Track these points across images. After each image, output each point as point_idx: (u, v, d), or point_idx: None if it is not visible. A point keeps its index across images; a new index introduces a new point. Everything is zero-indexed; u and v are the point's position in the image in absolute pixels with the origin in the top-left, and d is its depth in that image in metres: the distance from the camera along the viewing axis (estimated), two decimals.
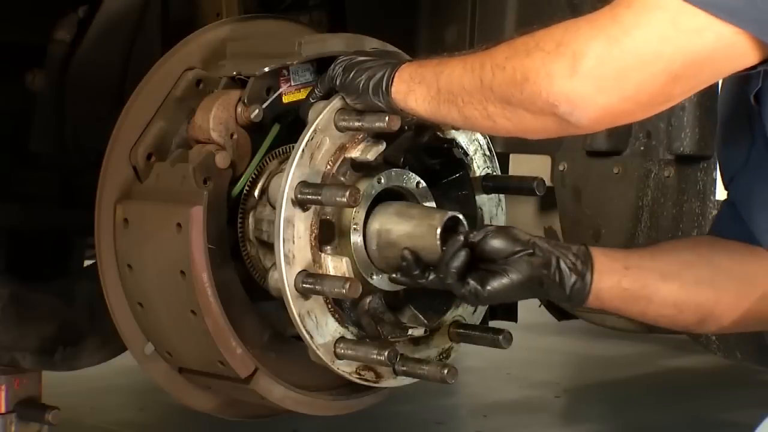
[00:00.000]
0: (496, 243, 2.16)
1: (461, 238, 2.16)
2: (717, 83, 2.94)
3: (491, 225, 2.32)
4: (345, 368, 2.32)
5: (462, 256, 2.14)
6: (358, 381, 2.34)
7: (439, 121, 2.11)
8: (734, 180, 2.25)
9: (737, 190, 2.24)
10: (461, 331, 2.45)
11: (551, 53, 1.85)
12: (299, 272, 2.22)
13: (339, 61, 2.25)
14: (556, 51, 1.85)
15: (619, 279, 2.18)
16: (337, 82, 2.23)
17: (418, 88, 2.10)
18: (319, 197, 2.19)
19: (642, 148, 3.10)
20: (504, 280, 2.14)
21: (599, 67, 1.82)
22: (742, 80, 2.10)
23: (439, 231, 2.22)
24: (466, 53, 2.05)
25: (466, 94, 2.00)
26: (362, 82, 2.17)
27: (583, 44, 1.82)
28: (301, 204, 2.22)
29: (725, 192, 2.34)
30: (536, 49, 1.88)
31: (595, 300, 2.18)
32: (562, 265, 2.16)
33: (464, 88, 2.00)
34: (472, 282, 2.14)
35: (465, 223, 2.25)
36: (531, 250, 2.16)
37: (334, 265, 2.26)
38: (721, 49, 1.81)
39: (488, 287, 2.13)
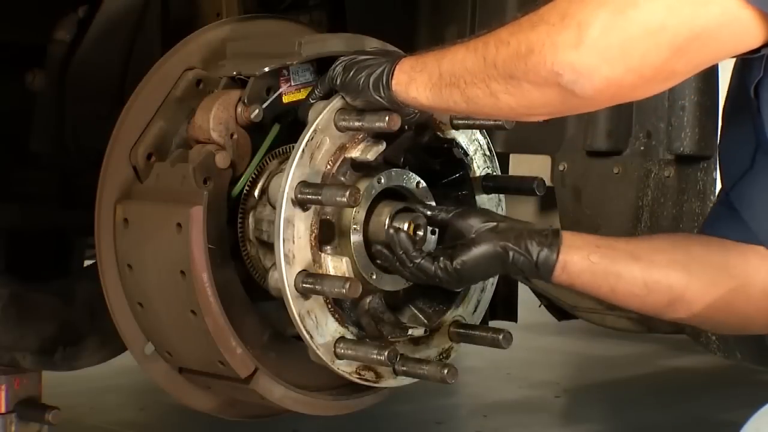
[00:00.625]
0: (463, 221, 2.25)
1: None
2: (717, 85, 2.95)
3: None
4: (345, 368, 2.32)
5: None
6: (358, 381, 2.34)
7: (441, 107, 2.11)
8: (737, 185, 2.25)
9: (741, 194, 2.24)
10: (461, 331, 2.45)
11: (556, 25, 1.86)
12: (299, 272, 2.22)
13: (339, 61, 2.25)
14: (561, 23, 1.86)
15: (589, 253, 2.20)
16: (337, 82, 2.23)
17: (419, 77, 2.10)
18: (319, 197, 2.19)
19: (642, 148, 3.10)
20: (471, 252, 2.20)
21: (604, 37, 1.82)
22: (744, 71, 2.09)
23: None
24: (468, 39, 2.05)
25: (468, 74, 2.01)
26: (362, 79, 2.17)
27: (588, 14, 1.83)
28: (301, 204, 2.22)
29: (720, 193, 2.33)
30: (541, 23, 1.89)
31: (563, 273, 2.20)
32: (529, 236, 2.21)
33: (467, 68, 2.01)
34: (441, 258, 2.20)
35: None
36: (496, 223, 2.23)
37: (334, 265, 2.26)
38: (726, 24, 1.81)
39: (456, 260, 2.19)
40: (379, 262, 2.31)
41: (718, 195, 2.34)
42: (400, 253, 2.23)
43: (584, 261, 2.20)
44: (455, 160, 2.44)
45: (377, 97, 2.15)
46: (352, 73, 2.20)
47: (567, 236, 2.23)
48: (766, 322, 2.27)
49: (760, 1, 1.79)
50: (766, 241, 2.21)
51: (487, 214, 2.30)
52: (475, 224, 2.25)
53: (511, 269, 2.23)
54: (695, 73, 1.92)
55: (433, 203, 2.38)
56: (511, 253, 2.20)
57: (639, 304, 2.25)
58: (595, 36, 1.82)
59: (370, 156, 2.28)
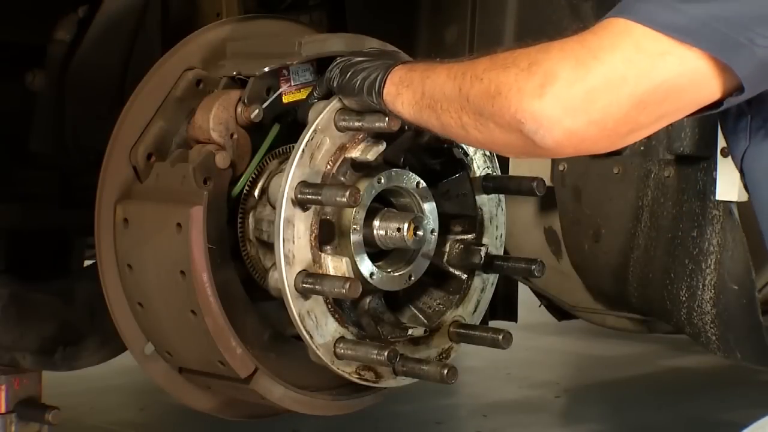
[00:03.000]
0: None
1: None
2: None
3: None
4: (345, 368, 2.32)
5: None
6: (357, 381, 2.34)
7: (421, 126, 2.13)
8: None
9: None
10: (461, 331, 2.45)
11: (524, 71, 1.87)
12: (299, 272, 2.22)
13: (336, 63, 2.26)
14: (529, 69, 1.87)
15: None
16: (335, 84, 2.23)
17: (405, 92, 2.12)
18: (319, 197, 2.19)
19: (642, 148, 3.10)
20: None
21: (568, 89, 1.83)
22: (732, 141, 2.08)
23: None
24: (456, 60, 2.06)
25: (445, 100, 2.02)
26: (358, 83, 2.18)
27: (554, 65, 1.84)
28: (301, 204, 2.22)
29: None
30: (512, 65, 1.90)
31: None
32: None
33: (444, 94, 2.03)
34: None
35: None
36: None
37: (334, 265, 2.26)
38: (685, 73, 1.82)
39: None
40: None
41: None
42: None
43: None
44: (455, 160, 2.44)
45: (371, 102, 2.17)
46: (348, 76, 2.21)
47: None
48: None
49: (716, 49, 1.80)
50: None
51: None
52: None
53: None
54: (661, 128, 1.92)
55: (434, 204, 2.38)
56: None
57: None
58: (558, 87, 1.83)
59: (370, 156, 2.28)
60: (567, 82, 1.82)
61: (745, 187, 2.08)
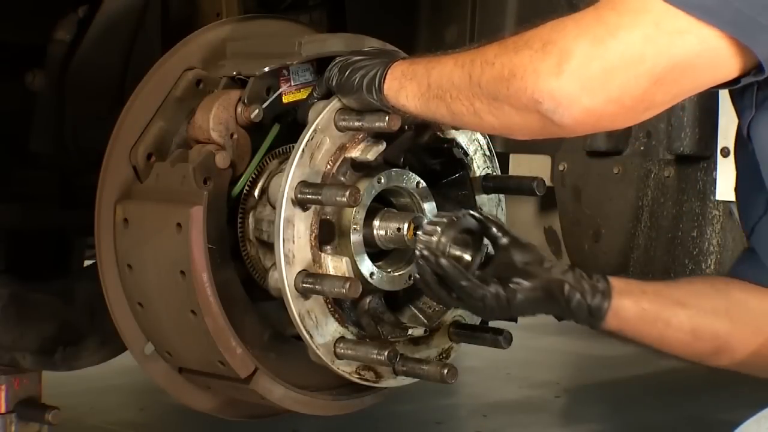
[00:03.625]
0: (517, 252, 2.13)
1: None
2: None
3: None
4: (345, 368, 2.32)
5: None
6: (357, 381, 2.34)
7: (429, 117, 2.11)
8: (755, 230, 2.24)
9: (759, 239, 2.23)
10: (461, 331, 2.45)
11: (538, 51, 1.86)
12: (299, 272, 2.22)
13: (335, 62, 2.25)
14: (543, 49, 1.86)
15: (638, 299, 2.13)
16: (333, 83, 2.23)
17: (409, 85, 2.10)
18: (319, 197, 2.19)
19: (642, 148, 3.10)
20: (526, 282, 2.09)
21: (585, 67, 1.82)
22: (739, 112, 2.09)
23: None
24: (460, 50, 2.05)
25: (455, 89, 2.01)
26: (356, 80, 2.18)
27: (569, 43, 1.83)
28: (301, 204, 2.22)
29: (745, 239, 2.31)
30: (524, 47, 1.89)
31: (615, 318, 2.13)
32: (582, 279, 2.12)
33: (453, 83, 2.01)
34: (493, 283, 2.08)
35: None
36: (550, 261, 2.13)
37: (334, 264, 2.26)
38: (703, 53, 1.82)
39: (510, 287, 2.08)
40: (415, 278, 2.18)
41: (748, 238, 2.32)
42: (448, 278, 2.09)
43: (635, 307, 2.13)
44: (455, 160, 2.44)
45: (371, 99, 2.16)
46: (347, 75, 2.20)
47: (615, 282, 2.15)
48: None
49: (737, 30, 1.80)
50: None
51: (537, 251, 2.16)
52: (528, 257, 2.13)
53: (561, 310, 2.12)
54: (675, 103, 1.91)
55: (434, 204, 2.37)
56: (567, 294, 2.10)
57: (685, 350, 2.19)
58: (576, 65, 1.82)
59: (370, 156, 2.28)
60: (584, 60, 1.81)
61: (753, 151, 2.08)
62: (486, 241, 2.18)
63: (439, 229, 2.13)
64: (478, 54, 1.98)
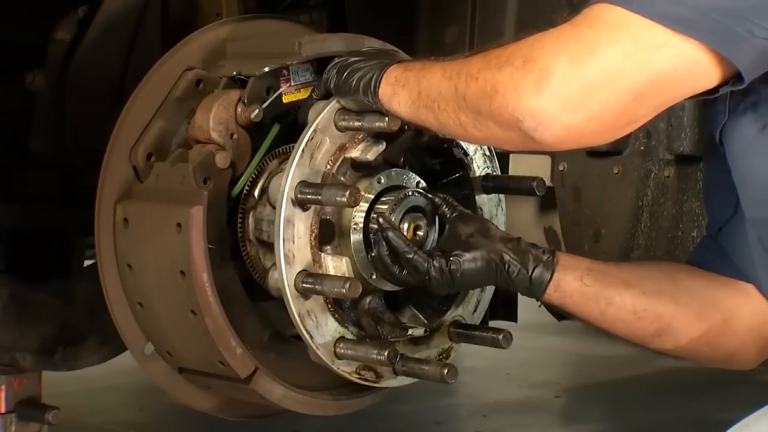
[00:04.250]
0: (462, 225, 2.24)
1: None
2: None
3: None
4: (345, 368, 2.32)
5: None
6: (357, 381, 2.34)
7: (419, 124, 2.13)
8: (723, 230, 2.26)
9: (728, 238, 2.24)
10: (461, 331, 2.45)
11: (519, 69, 1.86)
12: (299, 272, 2.22)
13: (332, 63, 2.26)
14: (524, 67, 1.86)
15: (582, 275, 2.21)
16: (332, 85, 2.24)
17: (401, 92, 2.11)
18: (319, 197, 2.19)
19: (642, 148, 3.10)
20: (467, 255, 2.19)
21: (565, 86, 1.82)
22: (710, 117, 2.10)
23: None
24: (451, 59, 2.06)
25: (442, 100, 2.02)
26: (354, 83, 2.18)
27: (549, 62, 1.83)
28: (301, 204, 2.22)
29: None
30: (506, 64, 1.89)
31: (556, 292, 2.20)
32: (526, 250, 2.20)
33: (441, 94, 2.02)
34: (437, 257, 2.19)
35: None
36: (494, 232, 2.23)
37: (334, 264, 2.26)
38: (683, 65, 1.81)
39: (452, 261, 2.18)
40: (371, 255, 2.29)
41: (706, 228, 2.35)
42: (395, 249, 2.23)
43: (577, 282, 2.20)
44: (455, 159, 2.44)
45: (367, 102, 2.17)
46: (344, 77, 2.21)
47: (561, 256, 2.23)
48: (750, 358, 2.28)
49: (715, 41, 1.79)
50: (756, 282, 2.21)
51: (485, 222, 2.29)
52: (472, 229, 2.24)
53: (503, 280, 2.21)
54: (658, 113, 1.91)
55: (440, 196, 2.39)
56: (507, 263, 2.19)
57: (626, 330, 2.24)
58: (556, 84, 1.82)
59: (370, 156, 2.28)
60: (563, 79, 1.81)
61: (723, 155, 2.09)
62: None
63: (387, 206, 2.28)
64: (464, 67, 1.98)
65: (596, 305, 2.21)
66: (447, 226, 2.27)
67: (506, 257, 2.19)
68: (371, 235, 2.28)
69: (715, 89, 1.87)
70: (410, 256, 2.21)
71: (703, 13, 1.78)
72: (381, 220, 2.26)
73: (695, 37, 1.79)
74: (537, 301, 2.24)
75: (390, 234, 2.23)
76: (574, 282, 2.20)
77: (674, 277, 2.26)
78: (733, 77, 1.84)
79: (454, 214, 2.27)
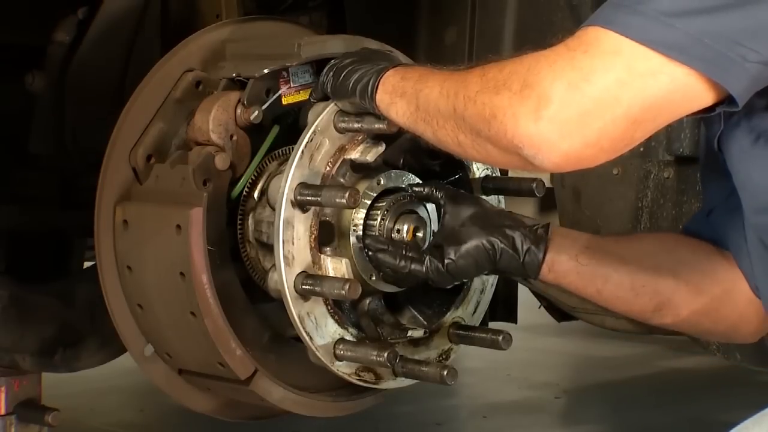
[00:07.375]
0: (454, 208, 2.26)
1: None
2: None
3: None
4: (344, 369, 2.32)
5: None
6: (357, 382, 2.34)
7: (417, 135, 2.13)
8: (714, 211, 2.26)
9: (716, 221, 2.25)
10: (461, 332, 2.45)
11: (517, 94, 1.86)
12: (299, 273, 2.22)
13: (328, 66, 2.25)
14: (521, 93, 1.85)
15: (577, 254, 2.22)
16: (328, 88, 2.24)
17: (399, 102, 2.11)
18: (319, 198, 2.19)
19: (641, 149, 3.10)
20: (460, 250, 2.21)
21: (562, 113, 1.82)
22: (706, 124, 2.11)
23: None
24: (449, 71, 2.05)
25: (441, 118, 2.02)
26: (350, 85, 2.18)
27: (546, 88, 1.82)
28: (301, 205, 2.22)
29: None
30: (504, 88, 1.88)
31: (550, 273, 2.22)
32: (517, 233, 2.22)
33: (439, 111, 2.02)
34: (431, 260, 2.22)
35: None
36: (484, 213, 2.25)
37: (334, 266, 2.26)
38: (677, 90, 1.82)
39: (446, 260, 2.21)
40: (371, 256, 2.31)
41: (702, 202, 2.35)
42: (390, 269, 2.26)
43: (572, 261, 2.22)
44: (455, 161, 2.44)
45: (364, 105, 2.17)
46: (341, 79, 2.20)
47: (556, 235, 2.24)
48: (751, 330, 2.28)
49: (707, 67, 1.80)
50: (747, 276, 2.21)
51: (477, 204, 2.30)
52: (466, 214, 2.26)
53: (499, 266, 2.23)
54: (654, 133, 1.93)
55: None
56: (500, 252, 2.21)
57: (625, 307, 2.25)
58: (553, 111, 1.82)
59: (370, 157, 2.28)
60: (561, 105, 1.81)
61: (723, 162, 2.09)
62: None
63: (377, 220, 2.30)
64: (461, 86, 1.97)
65: (592, 284, 2.23)
66: (443, 215, 2.28)
67: (498, 245, 2.21)
68: (366, 251, 2.30)
69: (712, 108, 1.87)
70: (407, 270, 2.24)
71: (695, 39, 1.79)
72: (368, 242, 2.28)
73: (688, 64, 1.79)
74: (533, 280, 2.26)
75: (381, 257, 2.27)
76: (569, 262, 2.22)
77: (673, 250, 2.26)
78: (728, 98, 1.84)
79: (447, 199, 2.28)
